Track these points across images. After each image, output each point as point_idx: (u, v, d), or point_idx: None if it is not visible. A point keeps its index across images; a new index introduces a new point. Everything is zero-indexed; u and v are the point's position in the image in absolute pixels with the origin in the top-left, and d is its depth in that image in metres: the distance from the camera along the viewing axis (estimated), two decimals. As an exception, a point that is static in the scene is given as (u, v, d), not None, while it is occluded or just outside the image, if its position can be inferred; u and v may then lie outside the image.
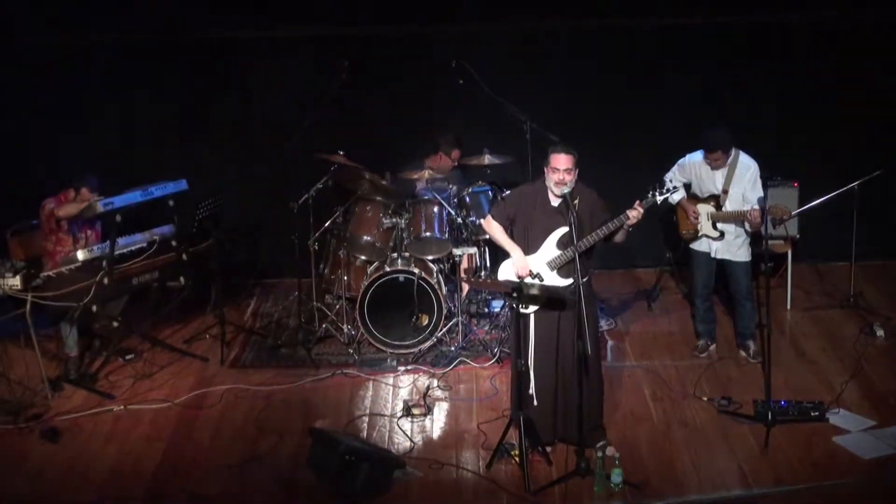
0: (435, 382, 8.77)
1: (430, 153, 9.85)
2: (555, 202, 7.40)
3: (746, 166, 8.65)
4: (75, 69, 10.55)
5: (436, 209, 9.31)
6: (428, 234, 9.29)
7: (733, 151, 8.65)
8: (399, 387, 8.77)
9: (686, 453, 7.55)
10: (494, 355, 9.11)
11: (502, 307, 9.75)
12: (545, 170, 7.40)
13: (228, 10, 10.46)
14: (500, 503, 7.03)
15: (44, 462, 7.63)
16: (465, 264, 9.66)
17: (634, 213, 7.20)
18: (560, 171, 7.26)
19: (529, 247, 7.47)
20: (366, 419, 8.22)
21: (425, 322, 9.18)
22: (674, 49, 10.72)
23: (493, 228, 7.63)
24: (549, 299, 7.30)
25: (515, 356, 7.41)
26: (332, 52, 9.27)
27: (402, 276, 9.14)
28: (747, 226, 8.64)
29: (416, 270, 9.09)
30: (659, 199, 7.35)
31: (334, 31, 10.52)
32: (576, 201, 7.24)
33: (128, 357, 9.26)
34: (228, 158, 10.69)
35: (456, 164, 9.90)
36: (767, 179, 9.13)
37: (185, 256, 8.99)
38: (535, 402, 7.46)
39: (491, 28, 10.63)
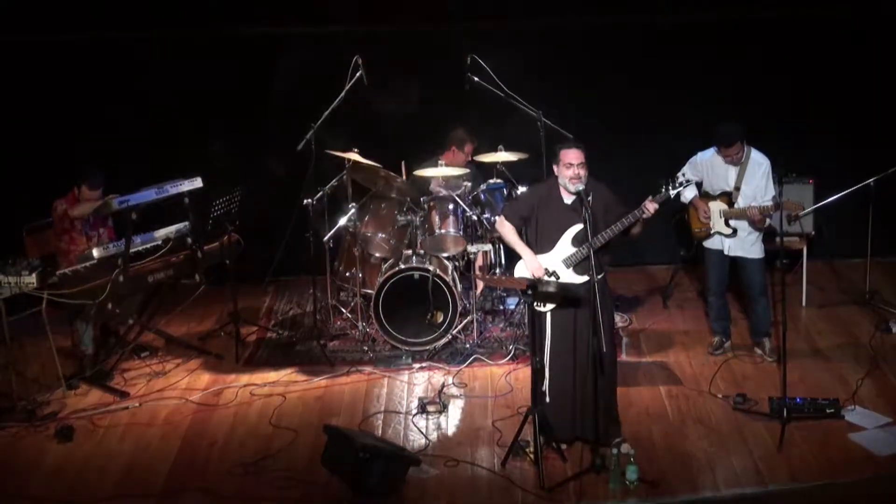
0: (450, 380, 8.77)
1: (444, 149, 9.85)
2: (568, 199, 7.39)
3: (759, 163, 8.63)
4: (90, 67, 10.60)
5: (451, 206, 9.31)
6: (443, 231, 9.29)
7: (745, 147, 8.63)
8: (414, 384, 8.77)
9: (701, 450, 7.54)
10: (509, 352, 9.11)
11: (517, 304, 9.76)
12: (556, 168, 7.40)
13: (242, 8, 10.48)
14: (515, 500, 7.02)
15: (59, 460, 7.65)
16: (479, 261, 9.66)
17: (651, 207, 7.18)
18: (574, 165, 7.26)
19: (544, 245, 7.46)
20: (381, 416, 8.22)
21: (440, 319, 9.18)
22: (687, 46, 10.72)
23: (506, 229, 7.62)
24: (565, 297, 7.29)
25: (532, 353, 7.40)
26: (347, 48, 9.26)
27: (417, 274, 9.14)
28: (767, 221, 8.61)
29: (431, 268, 9.09)
30: (672, 192, 7.33)
31: (349, 28, 10.55)
32: (589, 198, 7.24)
33: (143, 354, 9.30)
34: (243, 156, 10.70)
35: (470, 158, 9.89)
36: (783, 176, 9.10)
37: (199, 254, 9.00)
38: (548, 399, 7.45)
39: (505, 25, 10.64)
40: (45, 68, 10.59)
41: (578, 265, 7.37)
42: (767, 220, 8.59)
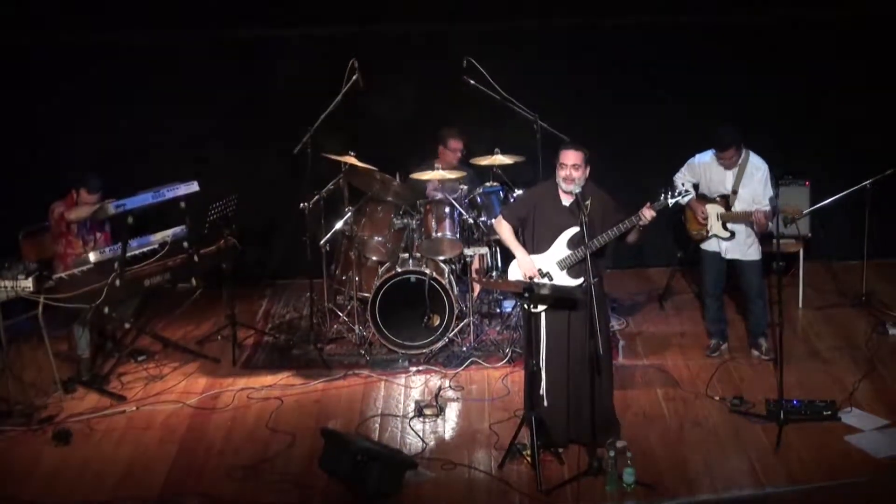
0: (447, 383, 8.77)
1: (435, 151, 9.86)
2: (566, 202, 7.40)
3: (756, 167, 8.62)
4: (87, 70, 10.58)
5: (447, 209, 9.30)
6: (439, 234, 9.29)
7: (743, 151, 8.63)
8: (411, 387, 8.76)
9: (698, 453, 7.53)
10: (506, 355, 9.11)
11: (514, 307, 9.74)
12: (557, 168, 7.41)
13: (239, 10, 10.48)
14: (512, 503, 7.02)
15: (56, 464, 7.64)
16: (476, 264, 9.65)
17: (649, 214, 7.19)
18: (567, 166, 7.27)
19: (539, 246, 7.46)
20: (377, 420, 8.22)
21: (437, 322, 9.18)
22: (684, 48, 10.71)
23: (503, 228, 7.64)
24: (560, 299, 7.29)
25: (528, 356, 7.40)
26: (344, 51, 9.25)
27: (413, 277, 9.14)
28: (755, 226, 8.62)
29: (428, 271, 9.09)
30: (671, 201, 7.33)
31: (346, 30, 10.55)
32: (587, 202, 7.23)
33: (140, 358, 9.28)
34: (240, 159, 10.69)
35: (459, 155, 9.87)
36: (779, 179, 9.09)
37: (196, 258, 8.99)
38: (546, 403, 7.46)
39: (501, 27, 10.64)
40: (46, 68, 10.57)
41: (572, 268, 7.38)
42: (770, 224, 8.58)
